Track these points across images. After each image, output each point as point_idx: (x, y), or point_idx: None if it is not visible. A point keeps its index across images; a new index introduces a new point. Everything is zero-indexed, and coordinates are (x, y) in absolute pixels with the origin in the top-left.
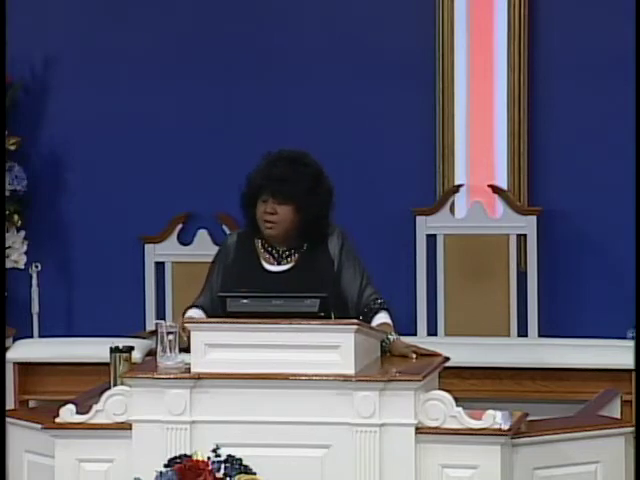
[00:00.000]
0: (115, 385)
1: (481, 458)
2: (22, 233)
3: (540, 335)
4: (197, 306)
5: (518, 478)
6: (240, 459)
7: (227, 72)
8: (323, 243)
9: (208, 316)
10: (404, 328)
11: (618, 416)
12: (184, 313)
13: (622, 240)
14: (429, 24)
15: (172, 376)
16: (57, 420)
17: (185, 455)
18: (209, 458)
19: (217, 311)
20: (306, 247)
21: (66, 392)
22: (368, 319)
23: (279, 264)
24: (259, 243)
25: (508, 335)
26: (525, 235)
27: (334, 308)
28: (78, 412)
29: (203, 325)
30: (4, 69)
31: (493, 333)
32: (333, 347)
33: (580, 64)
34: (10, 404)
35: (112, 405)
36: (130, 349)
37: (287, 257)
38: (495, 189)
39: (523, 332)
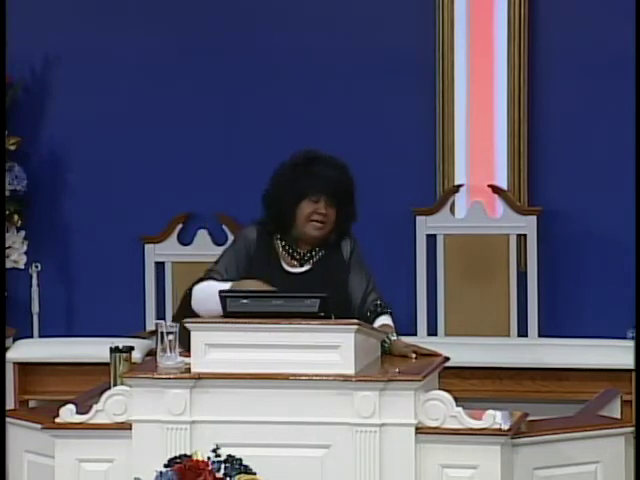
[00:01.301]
0: (115, 385)
1: (481, 458)
2: (22, 233)
3: (540, 335)
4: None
5: (518, 478)
6: (240, 459)
7: (227, 73)
8: (338, 246)
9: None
10: (404, 328)
11: (618, 416)
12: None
13: (622, 240)
14: (429, 24)
15: (172, 376)
16: (57, 420)
17: (185, 455)
18: (209, 458)
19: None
20: (324, 250)
21: (66, 392)
22: (370, 321)
23: (301, 266)
24: (279, 244)
25: (508, 335)
26: (525, 235)
27: (339, 310)
28: (78, 412)
29: (203, 325)
30: (4, 69)
31: (493, 333)
32: (333, 347)
33: (580, 64)
34: (10, 404)
35: (112, 405)
36: (130, 349)
37: (308, 260)
38: (495, 189)
39: (523, 332)
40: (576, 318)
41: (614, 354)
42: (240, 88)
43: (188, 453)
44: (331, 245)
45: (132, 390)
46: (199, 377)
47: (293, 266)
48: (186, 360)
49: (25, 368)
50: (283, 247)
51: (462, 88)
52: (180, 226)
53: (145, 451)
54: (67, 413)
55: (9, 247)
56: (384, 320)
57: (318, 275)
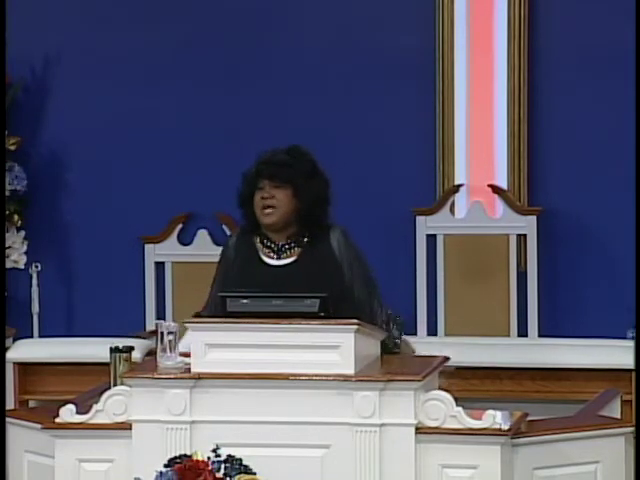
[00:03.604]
0: (115, 385)
1: (481, 458)
2: (22, 233)
3: (540, 335)
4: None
5: (518, 478)
6: (240, 459)
7: (227, 72)
8: (324, 239)
9: None
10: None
11: (618, 416)
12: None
13: (622, 240)
14: (429, 24)
15: (172, 376)
16: (57, 420)
17: (185, 455)
18: (209, 458)
19: None
20: (307, 240)
21: (66, 392)
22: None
23: (279, 258)
24: (257, 239)
25: (508, 335)
26: (525, 235)
27: (345, 306)
28: (78, 412)
29: (203, 325)
30: (4, 69)
31: (493, 333)
32: (333, 347)
33: (580, 64)
34: (10, 404)
35: (112, 405)
36: (130, 349)
37: (287, 250)
38: (495, 189)
39: (523, 332)
40: (576, 318)
41: (614, 354)
42: (240, 88)
43: (188, 453)
44: (310, 234)
45: (132, 390)
46: (199, 377)
47: (272, 258)
48: (186, 360)
49: (25, 368)
50: (261, 241)
51: (462, 88)
52: (180, 226)
53: (145, 451)
54: (67, 413)
55: (9, 247)
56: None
57: (304, 268)
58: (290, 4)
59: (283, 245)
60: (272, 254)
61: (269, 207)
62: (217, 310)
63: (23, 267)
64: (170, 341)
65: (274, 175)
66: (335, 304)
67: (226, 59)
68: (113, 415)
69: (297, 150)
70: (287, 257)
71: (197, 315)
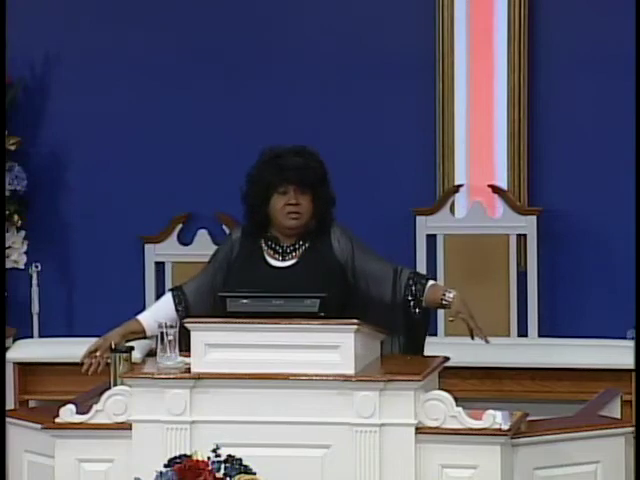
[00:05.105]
0: (115, 385)
1: (481, 458)
2: (22, 233)
3: (540, 335)
4: (178, 289)
5: (518, 478)
6: (240, 459)
7: (227, 72)
8: (325, 239)
9: (189, 305)
10: None
11: (618, 416)
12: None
13: (622, 240)
14: (429, 24)
15: (172, 376)
16: (57, 420)
17: (185, 455)
18: (209, 458)
19: (203, 301)
20: (309, 242)
21: (66, 392)
22: (421, 285)
23: (284, 260)
24: (262, 241)
25: (508, 335)
26: (525, 235)
27: (334, 306)
28: (78, 412)
29: (203, 325)
30: (4, 69)
31: (493, 333)
32: (333, 347)
33: (580, 64)
34: (10, 404)
35: (112, 405)
36: (130, 349)
37: (292, 252)
38: (495, 189)
39: (523, 332)
40: (576, 318)
41: (614, 354)
42: (240, 88)
43: (188, 453)
44: (315, 235)
45: (132, 390)
46: (199, 377)
47: (277, 260)
48: (186, 360)
49: (25, 368)
50: (266, 243)
51: (462, 88)
52: (180, 226)
53: (145, 451)
54: (67, 413)
55: (9, 247)
56: (432, 282)
57: (306, 269)
58: (290, 4)
59: (288, 247)
60: (277, 255)
61: (295, 213)
62: (201, 293)
63: (23, 267)
64: (170, 341)
65: (299, 182)
66: (338, 302)
67: (227, 59)
68: (113, 415)
69: (305, 151)
70: (291, 259)
71: (179, 287)
